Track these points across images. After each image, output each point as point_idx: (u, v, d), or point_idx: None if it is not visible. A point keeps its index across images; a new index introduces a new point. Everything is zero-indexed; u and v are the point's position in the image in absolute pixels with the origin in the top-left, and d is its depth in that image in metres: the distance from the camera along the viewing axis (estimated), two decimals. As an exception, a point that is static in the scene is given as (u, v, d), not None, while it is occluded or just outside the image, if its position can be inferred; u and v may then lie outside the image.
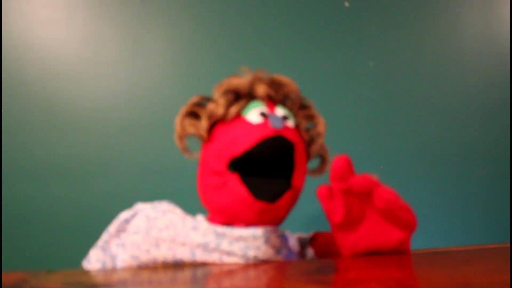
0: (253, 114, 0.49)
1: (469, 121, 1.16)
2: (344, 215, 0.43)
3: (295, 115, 0.54)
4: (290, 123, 0.51)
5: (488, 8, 1.23)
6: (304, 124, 0.54)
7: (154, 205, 0.55)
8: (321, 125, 0.54)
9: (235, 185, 0.48)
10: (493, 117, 1.18)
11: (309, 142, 0.55)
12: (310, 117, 0.55)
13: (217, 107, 0.50)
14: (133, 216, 0.54)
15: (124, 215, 0.54)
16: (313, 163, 0.58)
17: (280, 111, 0.51)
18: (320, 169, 0.57)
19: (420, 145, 1.12)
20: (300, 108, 0.55)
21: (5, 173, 0.92)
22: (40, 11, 0.99)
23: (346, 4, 1.14)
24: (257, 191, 0.47)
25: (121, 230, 0.53)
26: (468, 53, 1.20)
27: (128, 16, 1.03)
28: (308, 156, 0.55)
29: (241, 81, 0.51)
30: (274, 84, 0.52)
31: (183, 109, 0.53)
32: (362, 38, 1.14)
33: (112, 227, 0.53)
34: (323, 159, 0.58)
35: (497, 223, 1.11)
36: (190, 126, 0.52)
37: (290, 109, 0.54)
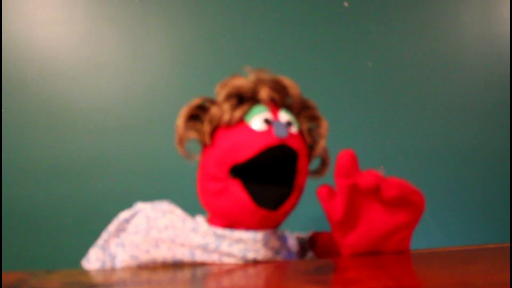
0: (257, 120, 0.48)
1: (469, 121, 1.16)
2: (344, 213, 0.43)
3: (298, 117, 0.53)
4: (294, 128, 0.50)
5: (488, 8, 1.23)
6: (307, 125, 0.54)
7: (154, 205, 0.55)
8: (324, 127, 0.54)
9: (237, 192, 0.47)
10: (493, 117, 1.18)
11: (311, 145, 0.54)
12: (313, 118, 0.54)
13: (221, 111, 0.49)
14: (133, 216, 0.54)
15: (124, 214, 0.54)
16: (313, 164, 0.58)
17: (284, 116, 0.50)
18: (320, 171, 0.57)
19: (419, 145, 1.12)
20: (302, 109, 0.54)
21: (4, 173, 0.92)
22: (39, 10, 0.99)
23: (346, 4, 1.14)
24: (259, 198, 0.46)
25: (120, 229, 0.53)
26: (468, 53, 1.20)
27: (127, 16, 1.03)
28: (309, 159, 0.54)
29: (244, 83, 0.50)
30: (277, 87, 0.51)
31: (185, 112, 0.51)
32: (361, 38, 1.14)
33: (112, 227, 0.53)
34: (323, 161, 0.57)
35: (497, 223, 1.11)
36: (192, 130, 0.51)
37: (293, 111, 0.53)
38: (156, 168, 0.97)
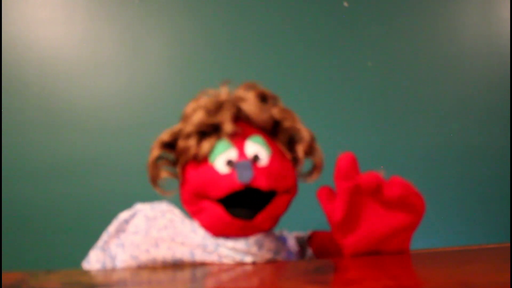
0: (219, 162, 0.47)
1: (469, 121, 1.16)
2: (343, 215, 0.43)
3: (275, 132, 0.51)
4: (263, 160, 0.48)
5: (488, 8, 1.23)
6: (284, 138, 0.51)
7: (153, 206, 0.55)
8: (305, 140, 0.50)
9: (211, 208, 0.48)
10: (493, 117, 1.18)
11: (294, 159, 0.52)
12: (292, 130, 0.51)
13: (187, 148, 0.48)
14: (133, 216, 0.54)
15: (123, 215, 0.54)
16: (306, 165, 0.57)
17: (250, 149, 0.47)
18: (310, 176, 0.54)
19: (419, 145, 1.12)
20: (279, 123, 0.51)
21: (4, 173, 0.92)
22: (39, 11, 0.99)
23: (345, 4, 1.14)
24: (233, 210, 0.46)
25: (120, 230, 0.53)
26: (468, 53, 1.20)
27: (127, 16, 1.03)
28: (296, 167, 0.53)
29: (203, 118, 0.48)
30: (242, 115, 0.48)
31: (153, 151, 0.50)
32: (360, 38, 1.14)
33: (112, 228, 0.53)
34: (314, 166, 0.54)
35: (496, 223, 1.11)
36: (163, 171, 0.51)
37: (265, 130, 0.50)
38: (156, 168, 0.97)
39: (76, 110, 0.98)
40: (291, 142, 0.52)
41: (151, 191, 0.96)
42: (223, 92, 0.50)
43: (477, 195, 1.12)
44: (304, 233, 0.61)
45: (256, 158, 0.48)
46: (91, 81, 0.99)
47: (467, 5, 1.22)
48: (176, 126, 0.51)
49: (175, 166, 0.52)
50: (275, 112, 0.50)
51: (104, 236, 0.54)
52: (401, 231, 0.44)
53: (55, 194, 0.93)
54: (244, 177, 0.45)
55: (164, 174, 0.51)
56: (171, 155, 0.52)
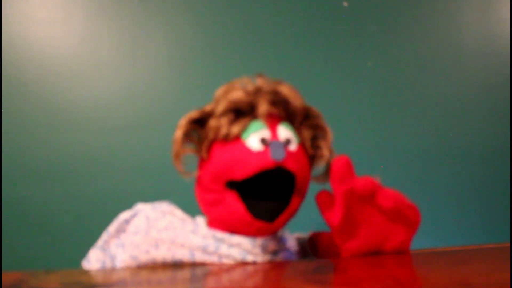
0: (253, 139, 0.46)
1: (468, 121, 1.16)
2: (342, 219, 0.44)
3: (300, 127, 0.51)
4: (293, 145, 0.48)
5: (488, 8, 1.23)
6: (310, 135, 0.51)
7: (154, 206, 0.55)
8: (328, 137, 0.51)
9: (233, 203, 0.47)
10: (493, 117, 1.18)
11: (314, 156, 0.52)
12: (316, 127, 0.52)
13: (218, 125, 0.48)
14: (133, 216, 0.54)
15: (124, 215, 0.54)
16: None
17: (283, 133, 0.48)
18: (325, 178, 0.53)
19: (419, 145, 1.12)
20: (305, 118, 0.51)
21: (4, 173, 0.92)
22: (38, 10, 0.99)
23: (345, 4, 1.14)
24: (255, 211, 0.46)
25: (120, 230, 0.53)
26: (468, 53, 1.20)
27: (126, 16, 1.03)
28: (312, 167, 0.53)
29: (241, 97, 0.48)
30: (277, 99, 0.49)
31: (182, 126, 0.50)
32: (360, 38, 1.14)
33: (112, 227, 0.53)
34: (329, 167, 0.55)
35: (496, 223, 1.11)
36: (189, 146, 0.50)
37: (294, 121, 0.50)
38: (156, 168, 0.97)
39: (75, 110, 0.98)
40: (313, 139, 0.52)
41: (151, 191, 0.96)
42: (260, 81, 0.50)
43: (477, 195, 1.12)
44: (305, 234, 0.61)
45: (287, 142, 0.48)
46: (91, 81, 0.99)
47: (467, 5, 1.22)
48: (207, 106, 0.51)
49: (200, 145, 0.50)
50: (305, 105, 0.51)
51: (104, 236, 0.53)
52: (398, 238, 0.45)
53: (55, 194, 0.93)
54: (278, 155, 0.45)
55: (190, 150, 0.50)
56: (196, 133, 0.51)
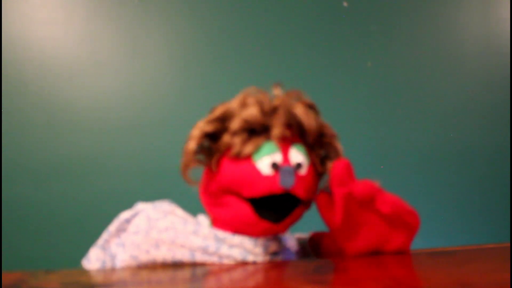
0: (264, 163, 0.46)
1: (468, 121, 1.16)
2: (341, 221, 0.44)
3: (312, 145, 0.51)
4: (303, 169, 0.48)
5: (488, 8, 1.23)
6: (321, 153, 0.51)
7: (155, 206, 0.55)
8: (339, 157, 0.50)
9: (239, 204, 0.47)
10: (493, 117, 1.18)
11: (323, 172, 0.51)
12: (329, 147, 0.51)
13: (231, 144, 0.47)
14: (134, 216, 0.54)
15: (124, 214, 0.54)
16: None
17: (294, 156, 0.47)
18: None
19: (419, 145, 1.12)
20: (319, 137, 0.51)
21: (4, 173, 0.92)
22: (38, 11, 0.99)
23: (345, 4, 1.14)
24: (261, 211, 0.46)
25: (121, 229, 0.53)
26: (468, 53, 1.20)
27: (126, 16, 1.03)
28: (319, 181, 0.53)
29: (256, 116, 0.47)
30: (292, 121, 0.48)
31: (194, 139, 0.48)
32: (360, 38, 1.14)
33: (113, 227, 0.53)
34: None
35: (496, 223, 1.11)
36: (196, 160, 0.49)
37: (307, 140, 0.50)
38: (156, 168, 0.97)
39: (75, 109, 0.98)
40: (324, 157, 0.51)
41: (151, 190, 0.96)
42: (277, 96, 0.49)
43: (477, 195, 1.12)
44: (305, 234, 0.61)
45: (298, 166, 0.47)
46: (91, 81, 0.99)
47: (467, 5, 1.22)
48: (218, 110, 0.49)
49: (209, 155, 0.50)
50: (320, 124, 0.50)
51: (105, 235, 0.53)
52: (397, 241, 0.45)
53: (55, 194, 0.93)
54: (287, 183, 0.45)
55: (198, 163, 0.49)
56: (207, 145, 0.50)
